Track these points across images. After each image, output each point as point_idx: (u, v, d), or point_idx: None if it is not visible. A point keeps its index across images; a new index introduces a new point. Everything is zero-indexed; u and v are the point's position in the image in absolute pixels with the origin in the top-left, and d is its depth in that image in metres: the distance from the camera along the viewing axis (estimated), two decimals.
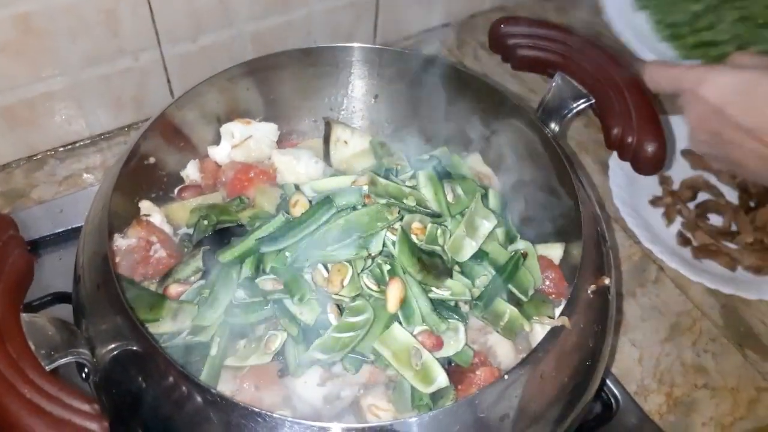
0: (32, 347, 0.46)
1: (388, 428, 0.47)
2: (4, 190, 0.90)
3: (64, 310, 0.73)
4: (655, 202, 0.98)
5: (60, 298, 0.75)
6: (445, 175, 0.68)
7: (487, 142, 0.76)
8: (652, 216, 0.96)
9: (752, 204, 0.97)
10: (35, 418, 0.42)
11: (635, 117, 0.61)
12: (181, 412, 0.48)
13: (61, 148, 0.95)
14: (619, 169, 0.96)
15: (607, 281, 0.58)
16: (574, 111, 0.67)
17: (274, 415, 0.46)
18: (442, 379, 0.55)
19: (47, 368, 0.46)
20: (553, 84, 0.68)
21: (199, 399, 0.48)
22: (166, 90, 0.97)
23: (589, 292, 0.56)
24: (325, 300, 0.58)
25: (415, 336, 0.57)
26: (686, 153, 1.03)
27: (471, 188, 0.67)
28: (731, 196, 0.99)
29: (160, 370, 0.49)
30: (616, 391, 0.77)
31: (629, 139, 0.61)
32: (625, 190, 0.95)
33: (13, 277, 0.48)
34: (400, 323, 0.58)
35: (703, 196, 0.99)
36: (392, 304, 0.57)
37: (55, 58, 0.85)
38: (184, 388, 0.48)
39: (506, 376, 0.50)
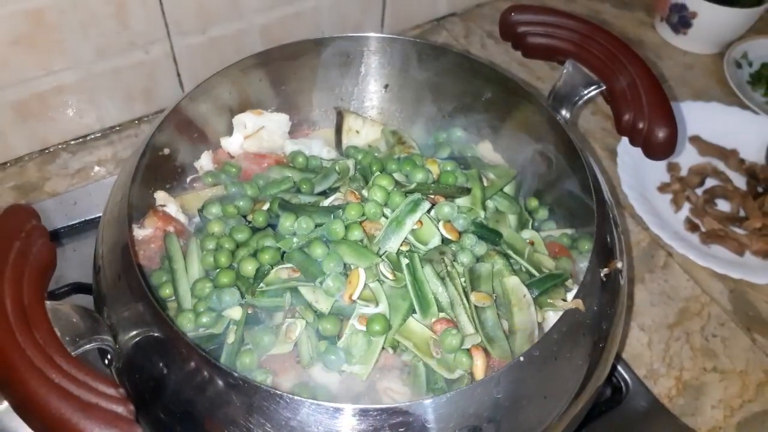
0: (58, 334, 0.47)
1: (401, 410, 0.48)
2: (18, 183, 0.91)
3: (82, 301, 0.75)
4: (663, 188, 0.98)
5: (77, 288, 0.76)
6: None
7: (499, 129, 0.76)
8: (660, 202, 0.97)
9: (760, 189, 0.98)
10: (63, 402, 0.43)
11: (646, 103, 0.62)
12: (203, 395, 0.49)
13: (73, 141, 0.96)
14: (627, 156, 0.97)
15: (619, 264, 0.59)
16: (585, 98, 0.67)
17: (295, 397, 0.47)
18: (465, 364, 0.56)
19: (72, 354, 0.47)
20: (564, 71, 0.68)
21: (221, 383, 0.48)
22: (175, 82, 0.97)
23: (601, 275, 0.57)
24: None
25: (433, 323, 0.58)
26: (694, 139, 1.04)
27: (504, 173, 0.68)
28: (739, 182, 1.00)
29: (182, 355, 0.50)
30: (626, 375, 0.78)
31: (640, 125, 0.62)
32: (633, 177, 0.96)
33: (37, 266, 0.49)
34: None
35: (710, 182, 1.00)
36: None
37: (67, 52, 0.85)
38: (206, 372, 0.49)
39: (521, 358, 0.50)
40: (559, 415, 0.55)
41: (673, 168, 1.01)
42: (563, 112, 0.68)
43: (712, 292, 0.88)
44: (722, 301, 0.87)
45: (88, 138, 0.96)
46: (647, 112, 0.62)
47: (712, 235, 0.92)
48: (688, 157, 1.02)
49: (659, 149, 0.62)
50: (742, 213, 0.96)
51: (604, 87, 0.66)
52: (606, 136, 1.04)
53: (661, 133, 0.61)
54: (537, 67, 1.11)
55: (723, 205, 0.97)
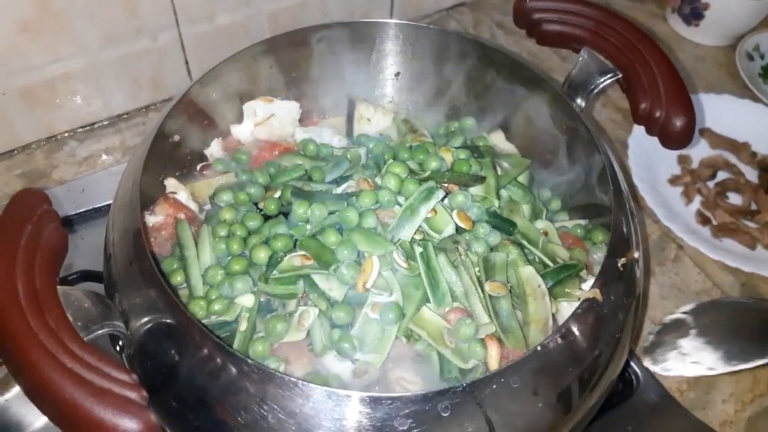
0: (70, 319, 0.46)
1: (415, 398, 0.47)
2: (25, 171, 0.90)
3: (92, 289, 0.74)
4: (674, 181, 0.98)
5: (86, 276, 0.75)
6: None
7: (512, 117, 0.75)
8: (671, 195, 0.96)
9: None
10: (76, 387, 0.43)
11: (663, 91, 0.61)
12: (215, 382, 0.49)
13: (80, 129, 0.95)
14: (638, 148, 0.96)
15: (635, 255, 0.58)
16: (601, 86, 0.66)
17: (309, 384, 0.47)
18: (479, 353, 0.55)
19: (85, 339, 0.46)
20: (580, 59, 0.67)
21: (234, 369, 0.48)
22: (183, 70, 0.96)
23: (618, 265, 0.56)
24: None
25: (447, 312, 0.57)
26: (705, 132, 1.03)
27: (518, 162, 0.68)
28: (751, 175, 0.99)
29: (195, 342, 0.49)
30: (636, 368, 0.77)
31: (657, 114, 0.61)
32: (644, 169, 0.95)
33: (48, 250, 0.48)
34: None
35: (722, 175, 0.99)
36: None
37: (74, 39, 0.85)
38: (218, 359, 0.48)
39: (539, 348, 0.50)
40: (574, 407, 0.54)
41: (684, 160, 1.00)
42: (578, 100, 0.68)
43: (724, 285, 0.87)
44: (733, 294, 0.86)
45: (96, 126, 0.96)
46: (664, 100, 0.61)
47: (724, 229, 0.91)
48: (699, 150, 1.01)
49: (677, 138, 0.61)
50: (753, 206, 0.95)
51: (621, 75, 0.65)
52: (616, 129, 1.03)
53: (678, 122, 0.60)
54: (547, 57, 1.11)
55: (734, 198, 0.96)
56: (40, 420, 0.65)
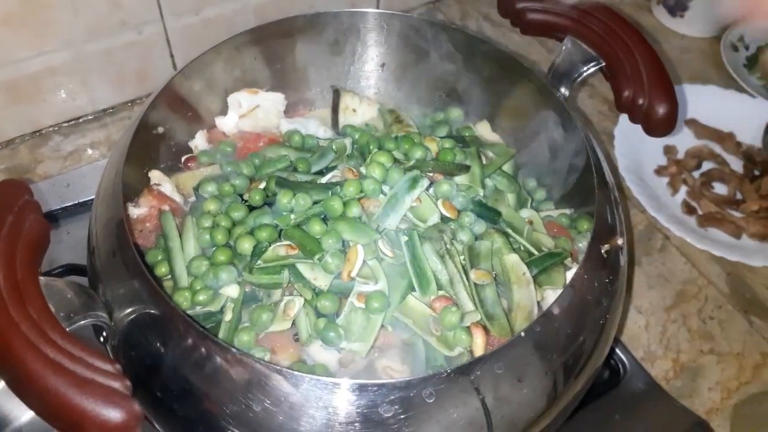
0: (52, 309, 0.46)
1: (400, 385, 0.47)
2: (9, 166, 0.89)
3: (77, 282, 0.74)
4: (660, 171, 0.98)
5: (71, 270, 0.75)
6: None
7: (497, 108, 0.75)
8: (657, 185, 0.97)
9: (757, 172, 0.98)
10: (58, 378, 0.42)
11: (646, 79, 0.61)
12: (200, 372, 0.48)
13: (65, 124, 0.94)
14: (624, 139, 0.97)
15: (620, 241, 0.59)
16: (585, 74, 0.66)
17: (295, 372, 0.47)
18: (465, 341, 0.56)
19: (67, 330, 0.46)
20: (563, 48, 0.68)
21: (219, 359, 0.48)
22: (169, 64, 0.96)
23: (602, 251, 0.57)
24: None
25: (432, 301, 0.57)
26: (691, 122, 1.03)
27: (503, 151, 0.68)
28: (736, 164, 1.00)
29: (179, 332, 0.49)
30: (623, 357, 0.78)
31: (640, 101, 0.61)
32: (630, 160, 0.96)
33: (30, 240, 0.48)
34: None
35: (707, 165, 0.99)
36: None
37: (58, 32, 0.84)
38: (203, 348, 0.48)
39: (522, 334, 0.50)
40: (559, 393, 0.54)
41: (669, 151, 1.01)
42: (562, 89, 0.68)
43: (710, 274, 0.88)
44: (719, 283, 0.87)
45: (81, 120, 0.95)
46: (647, 88, 0.61)
47: (709, 218, 0.92)
48: (684, 140, 1.02)
49: (659, 125, 0.62)
50: (738, 196, 0.96)
51: (604, 63, 0.65)
52: (603, 120, 1.04)
53: (661, 109, 0.60)
54: (534, 50, 1.11)
55: (720, 188, 0.97)
56: (27, 414, 0.65)
